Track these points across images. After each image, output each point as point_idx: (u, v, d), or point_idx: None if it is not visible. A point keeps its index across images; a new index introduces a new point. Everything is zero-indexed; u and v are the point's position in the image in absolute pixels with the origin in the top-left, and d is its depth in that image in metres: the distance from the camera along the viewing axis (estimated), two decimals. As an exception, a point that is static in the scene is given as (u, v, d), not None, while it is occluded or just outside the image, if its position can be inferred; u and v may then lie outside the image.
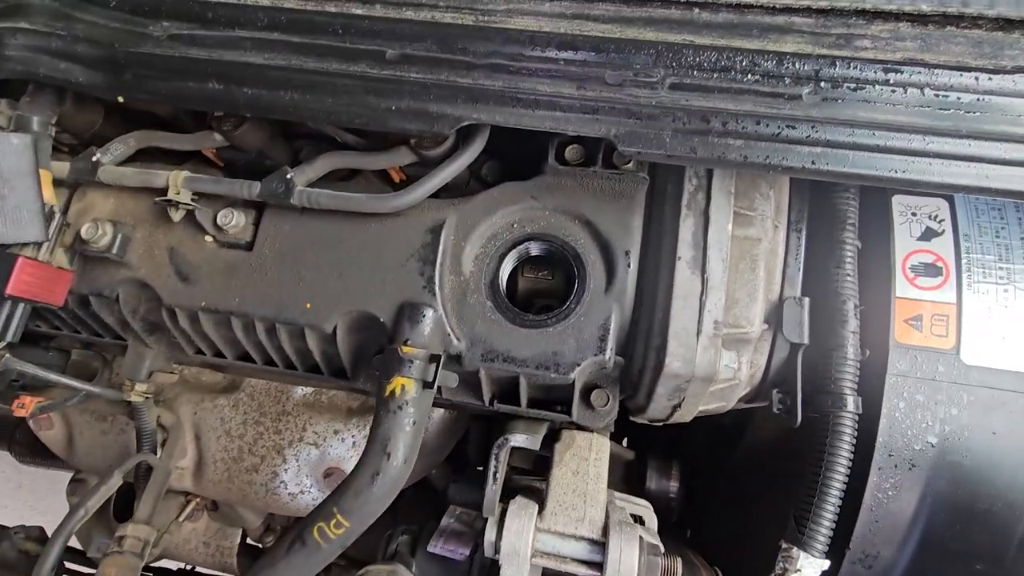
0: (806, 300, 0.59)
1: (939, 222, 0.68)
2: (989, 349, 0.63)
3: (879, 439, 0.63)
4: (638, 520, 0.69)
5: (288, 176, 0.62)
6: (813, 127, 0.49)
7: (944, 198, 0.68)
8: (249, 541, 1.12)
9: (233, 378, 0.92)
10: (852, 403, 0.56)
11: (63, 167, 0.67)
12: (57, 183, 0.66)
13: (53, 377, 0.71)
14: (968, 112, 0.49)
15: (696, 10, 0.50)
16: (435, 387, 0.58)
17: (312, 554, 0.57)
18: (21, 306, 0.62)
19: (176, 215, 0.66)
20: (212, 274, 0.66)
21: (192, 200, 0.65)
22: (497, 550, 0.59)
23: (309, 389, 0.91)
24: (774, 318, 0.60)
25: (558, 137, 0.61)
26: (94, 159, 0.66)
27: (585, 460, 0.64)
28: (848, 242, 0.60)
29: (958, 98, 0.48)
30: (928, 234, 0.67)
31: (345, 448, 0.88)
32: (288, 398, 0.90)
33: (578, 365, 0.58)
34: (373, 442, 0.57)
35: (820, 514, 0.54)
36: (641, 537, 0.57)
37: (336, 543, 0.57)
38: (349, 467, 0.85)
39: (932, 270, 0.66)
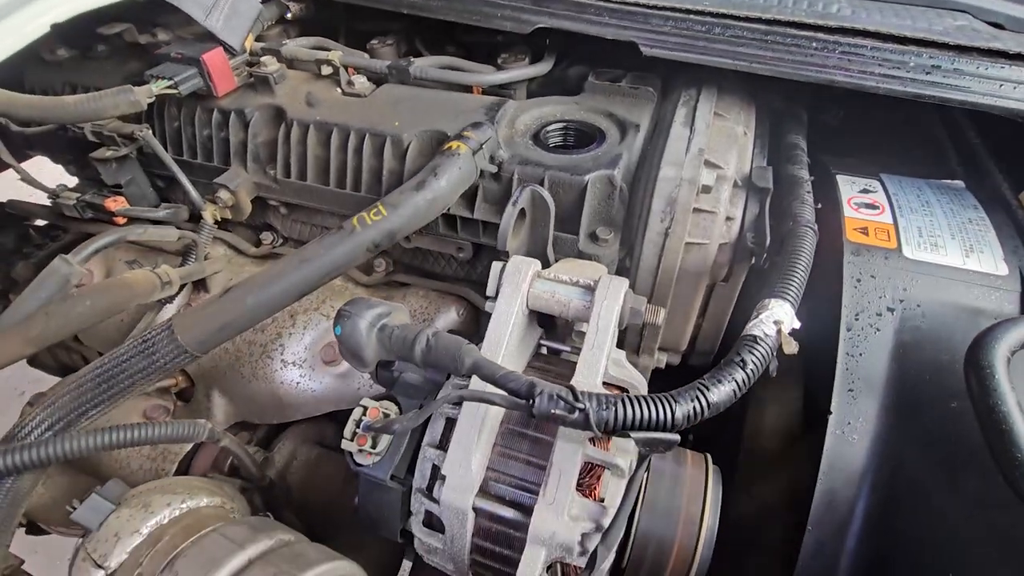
0: (770, 167, 0.78)
1: (872, 187, 0.89)
2: (924, 251, 0.77)
3: (844, 304, 0.73)
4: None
5: (411, 59, 0.92)
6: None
7: (875, 178, 0.91)
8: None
9: (267, 257, 1.04)
10: (810, 219, 0.69)
11: (256, 45, 0.98)
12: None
13: (170, 162, 0.88)
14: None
15: None
16: (476, 167, 0.74)
17: (347, 236, 0.66)
18: (197, 80, 0.86)
19: (325, 70, 0.93)
20: (332, 106, 0.90)
21: (338, 66, 0.93)
22: (497, 288, 0.66)
23: (341, 276, 1.01)
24: (745, 186, 0.78)
25: (598, 67, 0.91)
26: (284, 42, 0.98)
27: (584, 265, 0.73)
28: (801, 152, 0.81)
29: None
30: (865, 191, 0.88)
31: (353, 325, 0.94)
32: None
33: (591, 171, 0.75)
34: (426, 168, 0.71)
35: (790, 274, 0.62)
36: (629, 291, 0.64)
37: (371, 229, 0.66)
38: None
39: (871, 208, 0.85)
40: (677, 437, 0.51)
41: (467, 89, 0.93)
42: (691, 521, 0.62)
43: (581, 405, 0.50)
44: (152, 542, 0.58)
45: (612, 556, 0.53)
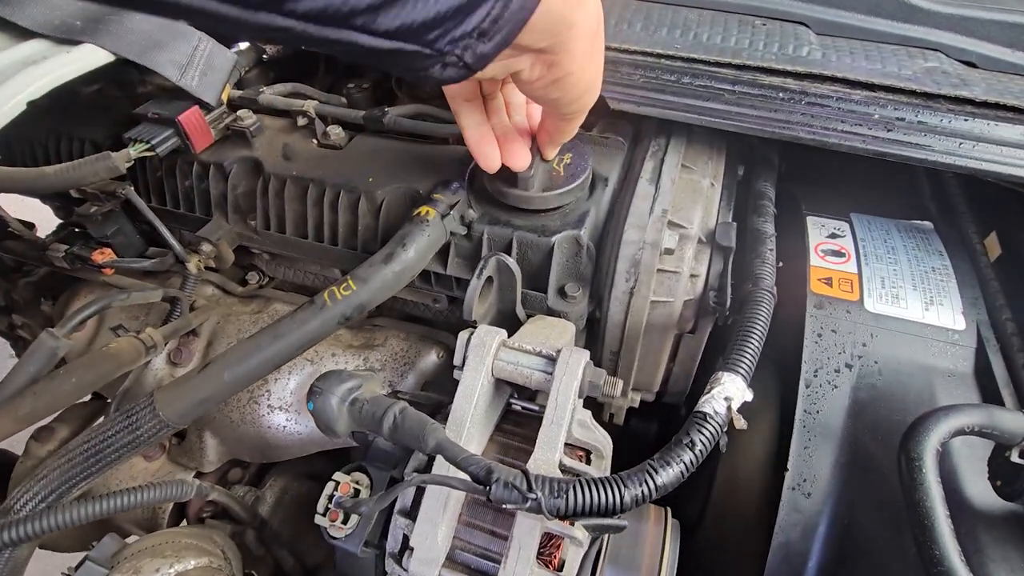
0: (734, 223, 0.79)
1: (841, 231, 0.90)
2: (885, 303, 0.78)
3: (805, 360, 0.75)
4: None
5: (385, 109, 0.93)
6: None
7: (845, 220, 0.92)
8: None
9: (261, 305, 1.07)
10: (769, 282, 0.71)
11: (234, 93, 1.00)
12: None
13: (153, 217, 0.91)
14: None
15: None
16: (446, 230, 0.76)
17: (318, 312, 0.68)
18: (175, 139, 0.87)
19: (300, 121, 0.95)
20: (308, 159, 0.92)
21: (313, 116, 0.95)
22: (463, 359, 0.68)
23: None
24: (710, 242, 0.80)
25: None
26: (260, 90, 0.99)
27: (552, 325, 0.76)
28: (768, 203, 0.83)
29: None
30: (833, 235, 0.89)
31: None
32: (303, 322, 1.03)
33: (558, 233, 0.77)
34: (394, 238, 0.73)
35: (743, 346, 0.64)
36: (589, 363, 0.66)
37: (341, 304, 0.68)
38: None
39: (838, 255, 0.86)
40: (625, 523, 0.54)
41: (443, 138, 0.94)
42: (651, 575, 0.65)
43: (534, 496, 0.53)
44: (142, 610, 0.62)
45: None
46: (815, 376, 0.74)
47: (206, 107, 0.91)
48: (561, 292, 0.80)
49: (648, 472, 0.55)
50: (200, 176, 0.96)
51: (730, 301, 0.73)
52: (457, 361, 0.69)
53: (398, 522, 0.64)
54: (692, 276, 0.78)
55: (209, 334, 1.04)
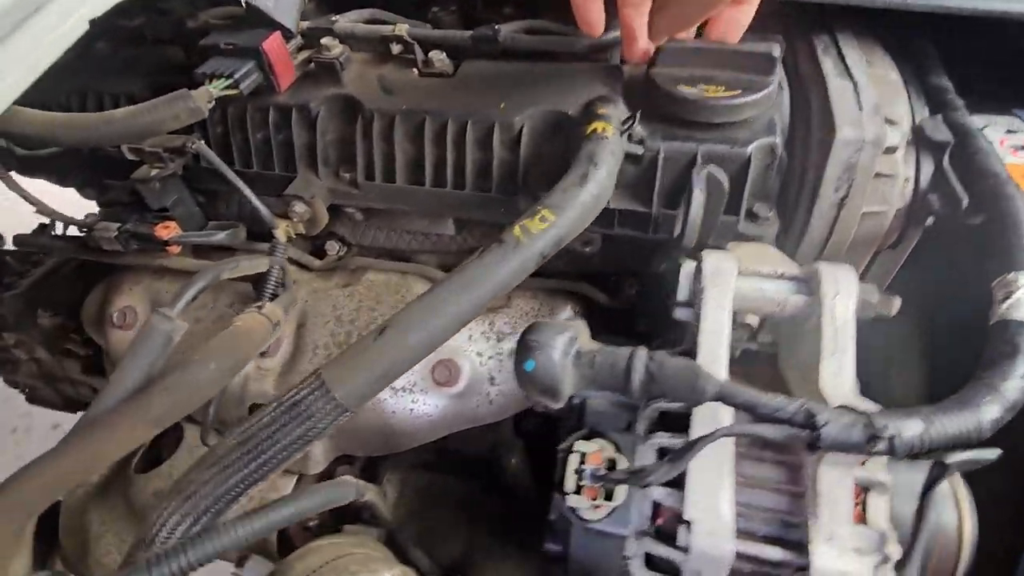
0: (939, 117, 0.69)
1: (1016, 127, 0.82)
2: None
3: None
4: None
5: (496, 27, 0.78)
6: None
7: (1012, 115, 0.84)
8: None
9: (348, 278, 0.92)
10: (1001, 168, 0.62)
11: (302, 24, 0.83)
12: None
13: (232, 175, 0.75)
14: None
15: None
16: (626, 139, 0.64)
17: (509, 251, 0.55)
18: (257, 74, 0.71)
19: (394, 48, 0.79)
20: (415, 90, 0.77)
21: (410, 41, 0.79)
22: (692, 291, 0.57)
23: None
24: (914, 141, 0.70)
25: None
26: (332, 19, 0.83)
27: (760, 250, 0.65)
28: (954, 96, 0.73)
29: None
30: (1010, 131, 0.81)
31: (462, 338, 0.84)
32: (408, 291, 0.88)
33: (751, 142, 0.66)
34: (579, 157, 0.60)
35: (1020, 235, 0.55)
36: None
37: (538, 239, 0.55)
38: (464, 361, 0.82)
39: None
40: (996, 454, 0.44)
41: (557, 57, 0.81)
42: (948, 534, 0.56)
43: (887, 431, 0.42)
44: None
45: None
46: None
47: (286, 35, 0.74)
48: (750, 214, 0.69)
49: (993, 391, 0.46)
50: (278, 125, 0.80)
51: (966, 202, 0.64)
52: (682, 296, 0.58)
53: (651, 494, 0.53)
54: (904, 180, 0.68)
55: (298, 316, 0.88)
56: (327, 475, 0.93)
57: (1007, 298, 0.52)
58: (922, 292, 0.75)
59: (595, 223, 0.74)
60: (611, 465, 0.53)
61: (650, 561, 0.56)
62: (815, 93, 0.69)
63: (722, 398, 0.47)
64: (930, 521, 0.47)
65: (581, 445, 0.53)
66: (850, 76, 0.69)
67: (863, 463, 0.51)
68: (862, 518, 0.50)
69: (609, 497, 0.51)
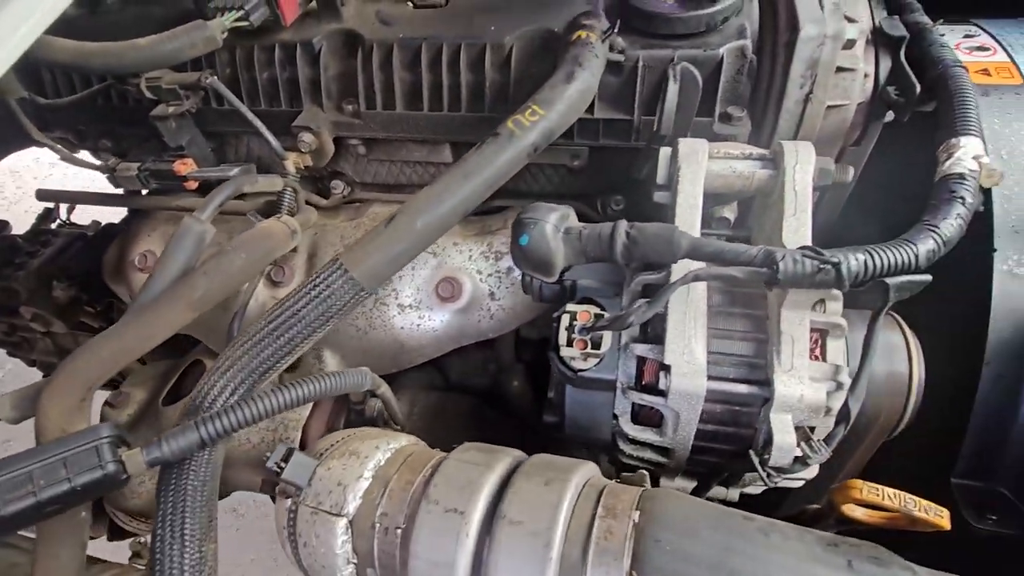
0: (896, 17, 0.75)
1: (973, 32, 0.87)
2: (1052, 81, 0.76)
3: (988, 144, 0.72)
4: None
5: (484, -43, 0.84)
6: None
7: (969, 23, 0.90)
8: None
9: (355, 212, 0.98)
10: (952, 56, 0.67)
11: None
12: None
13: (244, 109, 0.80)
14: None
15: None
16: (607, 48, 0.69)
17: (504, 143, 0.61)
18: (265, 8, 0.77)
19: (389, -15, 0.85)
20: (411, 20, 0.82)
21: (402, -23, 0.85)
22: (669, 175, 0.63)
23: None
24: (874, 40, 0.75)
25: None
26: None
27: (728, 144, 0.70)
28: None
29: None
30: (968, 35, 0.86)
31: (463, 258, 0.90)
32: (410, 218, 0.95)
33: (723, 45, 0.71)
34: (565, 59, 0.66)
35: (965, 109, 0.61)
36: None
37: (530, 131, 0.61)
38: (465, 278, 0.88)
39: (982, 50, 0.83)
40: (929, 278, 0.50)
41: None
42: (899, 378, 0.63)
43: (834, 259, 0.49)
44: (380, 483, 0.56)
45: (858, 408, 0.54)
46: (1003, 159, 0.72)
47: (286, -28, 0.79)
48: (724, 116, 0.75)
49: (931, 229, 0.52)
50: (283, 62, 0.85)
51: (919, 89, 0.69)
52: (661, 179, 0.64)
53: (635, 350, 0.59)
54: (864, 75, 0.73)
55: (309, 247, 0.95)
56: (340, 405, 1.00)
57: (948, 158, 0.58)
58: (885, 186, 0.81)
59: (581, 135, 0.80)
60: (597, 321, 0.59)
61: (637, 419, 0.63)
62: (782, 1, 0.75)
63: (695, 250, 0.54)
64: (875, 346, 0.53)
65: (571, 307, 0.60)
66: (812, -20, 0.74)
67: (823, 309, 0.58)
68: (822, 358, 0.57)
69: (597, 347, 0.58)
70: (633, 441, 0.64)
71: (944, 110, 0.63)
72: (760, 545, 0.43)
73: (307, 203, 0.98)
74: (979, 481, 0.71)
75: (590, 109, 0.76)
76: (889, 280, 0.50)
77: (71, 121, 0.99)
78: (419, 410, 1.01)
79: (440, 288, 0.89)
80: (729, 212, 0.72)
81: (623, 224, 0.56)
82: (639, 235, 0.55)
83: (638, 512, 0.46)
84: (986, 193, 0.71)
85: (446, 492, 0.51)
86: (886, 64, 0.74)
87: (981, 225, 0.71)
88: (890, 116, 0.76)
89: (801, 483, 0.60)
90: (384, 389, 0.75)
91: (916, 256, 0.50)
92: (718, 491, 0.69)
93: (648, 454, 0.64)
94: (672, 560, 0.42)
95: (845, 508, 0.53)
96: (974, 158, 0.57)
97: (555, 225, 0.58)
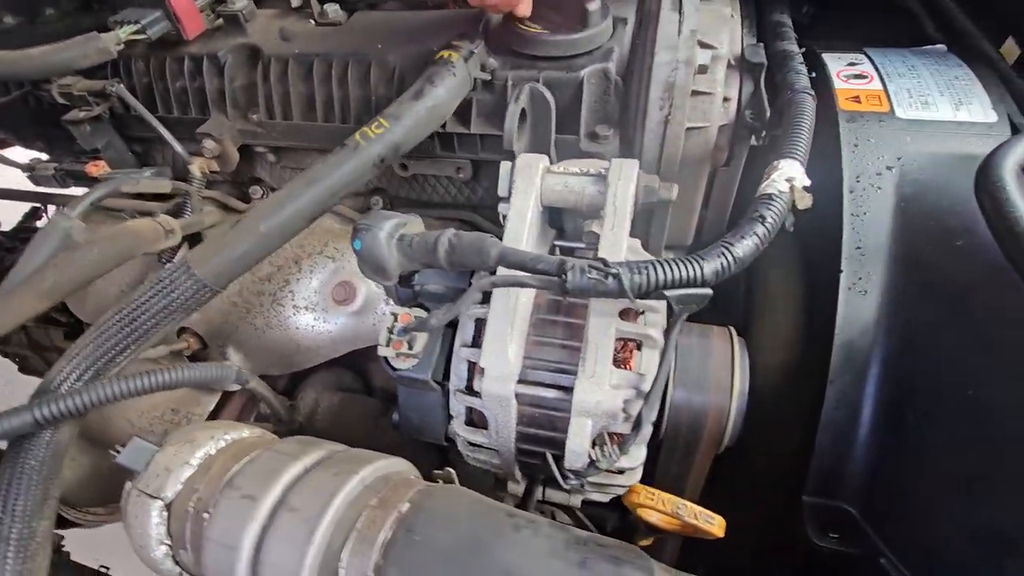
0: (761, 44, 0.78)
1: (858, 60, 0.90)
2: (916, 109, 0.78)
3: (845, 168, 0.74)
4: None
5: (382, -16, 0.89)
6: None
7: (859, 52, 0.92)
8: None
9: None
10: (807, 85, 0.70)
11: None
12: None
13: (149, 115, 0.85)
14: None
15: None
16: (470, 76, 0.73)
17: (352, 153, 0.65)
18: (165, 23, 0.82)
19: (295, 2, 0.90)
20: (309, 38, 0.87)
21: (307, -2, 0.90)
22: (509, 186, 0.66)
23: (336, 219, 0.99)
24: (739, 66, 0.78)
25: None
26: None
27: (589, 162, 0.73)
28: (788, 29, 0.81)
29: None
30: (852, 63, 0.89)
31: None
32: (319, 224, 0.98)
33: (586, 67, 0.74)
34: (420, 78, 0.70)
35: (795, 135, 0.63)
36: (640, 171, 0.65)
37: (375, 143, 0.65)
38: (360, 283, 0.92)
39: (860, 78, 0.85)
40: (710, 292, 0.52)
41: (441, 7, 0.90)
42: (722, 388, 0.64)
43: (614, 271, 0.51)
44: (204, 470, 0.59)
45: (653, 416, 0.55)
46: (857, 182, 0.74)
47: (191, -10, 0.85)
48: (592, 135, 0.78)
49: (724, 247, 0.54)
50: (192, 73, 0.90)
51: (768, 114, 0.72)
52: (502, 191, 0.67)
53: (462, 354, 0.62)
54: (725, 100, 0.76)
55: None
56: (249, 395, 1.03)
57: (765, 179, 0.60)
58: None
59: (462, 149, 0.84)
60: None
61: (473, 422, 0.65)
62: (651, 26, 0.78)
63: (503, 257, 0.56)
64: (670, 357, 0.55)
65: (395, 309, 0.63)
66: (680, 9, 0.78)
67: (637, 319, 0.60)
68: (631, 367, 0.59)
69: (411, 348, 0.60)
70: (471, 444, 0.66)
71: (781, 134, 0.66)
72: (507, 540, 0.45)
73: (227, 207, 1.03)
74: (826, 499, 0.72)
75: (467, 124, 0.80)
76: (668, 292, 0.52)
77: (9, 122, 1.05)
78: (323, 410, 1.04)
79: (335, 292, 0.92)
80: (598, 226, 0.75)
81: (448, 232, 0.59)
82: (458, 242, 0.58)
83: (408, 504, 0.48)
84: (836, 215, 0.73)
85: (249, 480, 0.54)
86: (748, 88, 0.77)
87: (832, 246, 0.73)
88: (755, 140, 0.79)
89: (614, 494, 0.61)
90: (255, 384, 0.78)
91: (701, 272, 0.52)
92: (562, 497, 0.71)
93: (482, 455, 0.66)
94: (417, 551, 0.44)
95: (642, 514, 0.55)
96: (787, 180, 0.59)
97: (389, 232, 0.61)
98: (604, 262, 0.52)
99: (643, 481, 0.65)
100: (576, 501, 0.70)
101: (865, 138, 0.76)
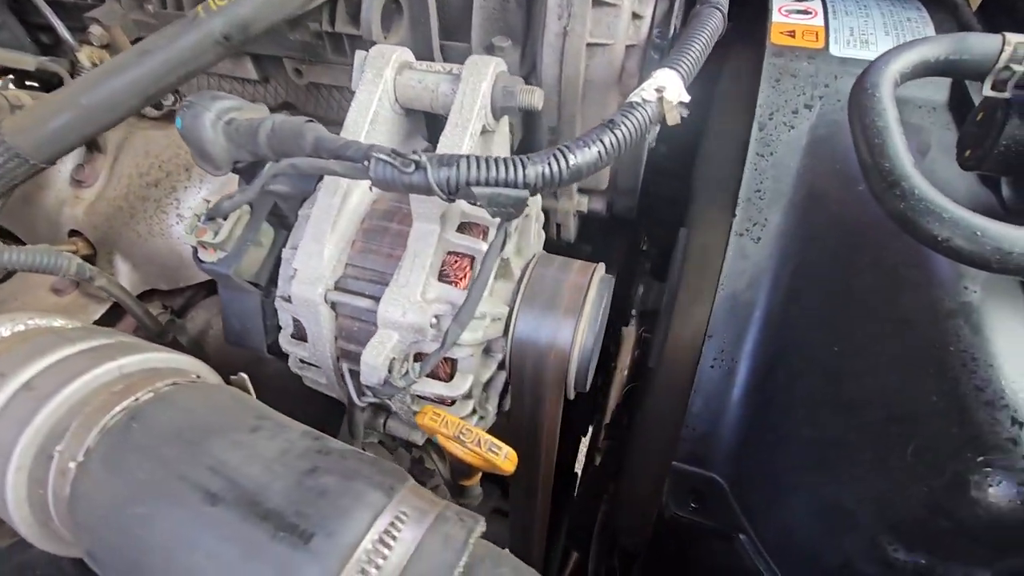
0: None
1: (810, -1, 0.80)
2: (853, 48, 0.69)
3: (759, 104, 0.66)
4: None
5: None
6: None
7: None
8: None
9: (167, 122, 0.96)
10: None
11: None
12: None
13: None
14: None
15: None
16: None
17: (190, 25, 0.58)
18: None
19: None
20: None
21: None
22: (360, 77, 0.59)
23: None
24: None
25: None
26: None
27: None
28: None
29: None
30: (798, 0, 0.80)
31: (253, 177, 0.87)
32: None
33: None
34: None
35: (684, 47, 0.55)
36: (503, 72, 0.57)
37: (218, 16, 0.58)
38: None
39: (803, 13, 0.76)
40: (526, 193, 0.45)
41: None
42: (568, 322, 0.58)
43: (418, 159, 0.44)
44: (-10, 352, 0.54)
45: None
46: (770, 119, 0.66)
47: None
48: (488, 46, 0.70)
49: (559, 151, 0.47)
50: (89, -48, 0.84)
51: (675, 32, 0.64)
52: (354, 83, 0.60)
53: (286, 255, 0.56)
54: (635, 16, 0.68)
55: (115, 149, 0.94)
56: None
57: (640, 87, 0.53)
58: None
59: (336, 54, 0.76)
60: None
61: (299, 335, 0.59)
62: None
63: (317, 143, 0.50)
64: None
65: (211, 196, 0.57)
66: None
67: (471, 232, 0.53)
68: (462, 285, 0.52)
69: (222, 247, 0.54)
70: (301, 361, 0.60)
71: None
72: (232, 438, 0.39)
73: (140, 113, 0.97)
74: (695, 467, 0.65)
75: (331, 23, 0.73)
76: (477, 190, 0.45)
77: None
78: (213, 334, 1.00)
79: (222, 204, 0.87)
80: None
81: (271, 117, 0.53)
82: (279, 128, 0.52)
83: (151, 394, 0.43)
84: (739, 161, 0.66)
85: (11, 359, 0.49)
86: (664, 7, 0.69)
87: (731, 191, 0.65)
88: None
89: (421, 437, 0.56)
90: (103, 281, 0.74)
91: (523, 173, 0.45)
92: (404, 431, 0.65)
93: (310, 373, 0.61)
94: (130, 436, 0.39)
95: (445, 445, 0.49)
96: (656, 89, 0.51)
97: (216, 115, 0.55)
98: (418, 155, 0.45)
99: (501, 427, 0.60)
100: (417, 437, 0.65)
101: (789, 74, 0.68)
